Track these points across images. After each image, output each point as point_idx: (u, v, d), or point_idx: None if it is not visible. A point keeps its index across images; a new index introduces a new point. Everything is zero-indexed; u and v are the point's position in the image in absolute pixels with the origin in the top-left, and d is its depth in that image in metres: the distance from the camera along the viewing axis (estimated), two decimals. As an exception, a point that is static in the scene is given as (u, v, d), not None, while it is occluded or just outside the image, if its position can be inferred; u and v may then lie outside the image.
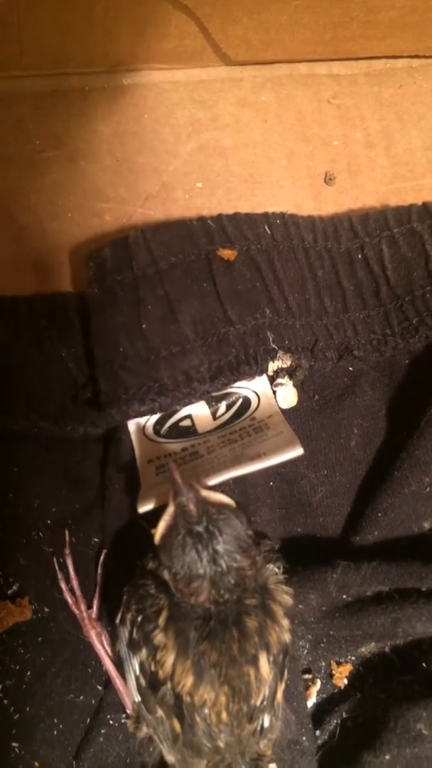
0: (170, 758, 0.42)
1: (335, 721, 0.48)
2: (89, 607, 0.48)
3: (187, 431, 0.52)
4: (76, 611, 0.47)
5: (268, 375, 0.52)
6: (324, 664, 0.50)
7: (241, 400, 0.52)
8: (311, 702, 0.49)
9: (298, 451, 0.48)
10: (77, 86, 0.61)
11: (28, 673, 0.46)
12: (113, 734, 0.46)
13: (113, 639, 0.46)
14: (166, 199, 0.60)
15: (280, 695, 0.43)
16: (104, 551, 0.50)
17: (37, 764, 0.44)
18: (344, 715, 0.48)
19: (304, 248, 0.55)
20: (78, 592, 0.48)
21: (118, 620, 0.44)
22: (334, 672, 0.49)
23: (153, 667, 0.41)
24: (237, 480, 0.49)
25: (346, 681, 0.49)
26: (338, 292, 0.55)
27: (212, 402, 0.52)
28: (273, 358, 0.51)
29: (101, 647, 0.47)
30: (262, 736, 0.42)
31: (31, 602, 0.47)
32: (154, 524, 0.42)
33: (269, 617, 0.42)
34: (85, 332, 0.54)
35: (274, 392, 0.52)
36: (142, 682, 0.42)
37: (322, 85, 0.64)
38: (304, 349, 0.52)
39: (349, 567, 0.47)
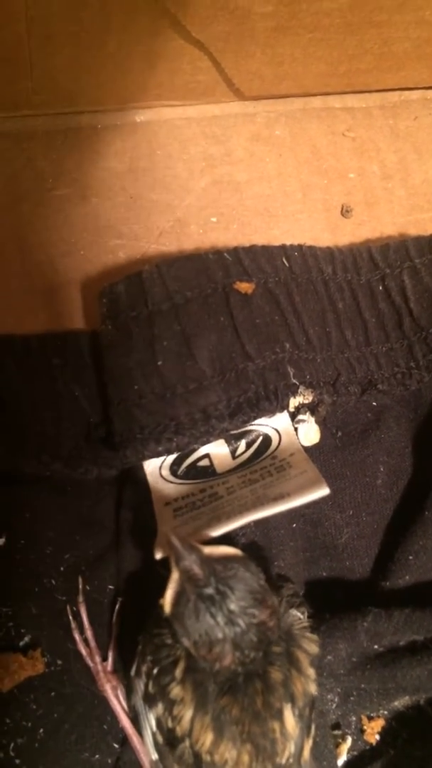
0: None
1: (368, 780, 0.45)
2: (104, 659, 0.46)
3: (206, 471, 0.50)
4: (91, 664, 0.45)
5: (288, 411, 0.50)
6: (354, 718, 0.48)
7: (261, 438, 0.51)
8: (341, 760, 0.47)
9: (324, 491, 0.45)
10: (89, 124, 0.62)
11: (41, 730, 0.43)
12: (131, 795, 0.43)
13: (128, 692, 0.44)
14: (180, 234, 0.60)
15: (307, 753, 0.40)
16: (119, 599, 0.48)
17: None
18: (377, 774, 0.45)
19: (324, 280, 0.54)
20: (93, 643, 0.46)
21: (132, 672, 0.42)
22: (365, 727, 0.47)
23: (170, 723, 0.39)
24: (258, 522, 0.47)
25: (378, 737, 0.47)
26: (360, 324, 0.53)
27: (231, 440, 0.51)
28: (294, 394, 0.49)
29: (117, 702, 0.45)
30: (290, 798, 0.39)
31: (44, 654, 0.45)
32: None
33: (294, 667, 0.40)
34: (99, 370, 0.52)
35: (296, 429, 0.51)
36: (159, 738, 0.40)
37: (336, 118, 0.64)
38: (325, 383, 0.50)
39: (380, 615, 0.45)
